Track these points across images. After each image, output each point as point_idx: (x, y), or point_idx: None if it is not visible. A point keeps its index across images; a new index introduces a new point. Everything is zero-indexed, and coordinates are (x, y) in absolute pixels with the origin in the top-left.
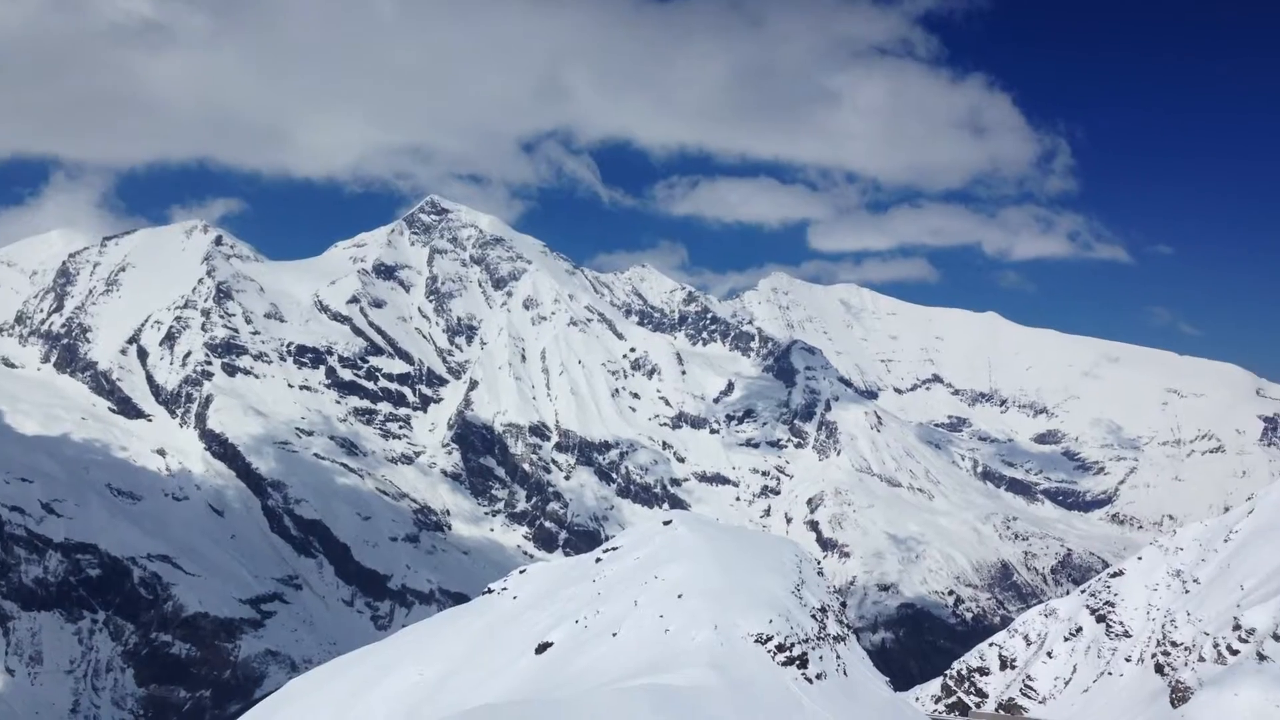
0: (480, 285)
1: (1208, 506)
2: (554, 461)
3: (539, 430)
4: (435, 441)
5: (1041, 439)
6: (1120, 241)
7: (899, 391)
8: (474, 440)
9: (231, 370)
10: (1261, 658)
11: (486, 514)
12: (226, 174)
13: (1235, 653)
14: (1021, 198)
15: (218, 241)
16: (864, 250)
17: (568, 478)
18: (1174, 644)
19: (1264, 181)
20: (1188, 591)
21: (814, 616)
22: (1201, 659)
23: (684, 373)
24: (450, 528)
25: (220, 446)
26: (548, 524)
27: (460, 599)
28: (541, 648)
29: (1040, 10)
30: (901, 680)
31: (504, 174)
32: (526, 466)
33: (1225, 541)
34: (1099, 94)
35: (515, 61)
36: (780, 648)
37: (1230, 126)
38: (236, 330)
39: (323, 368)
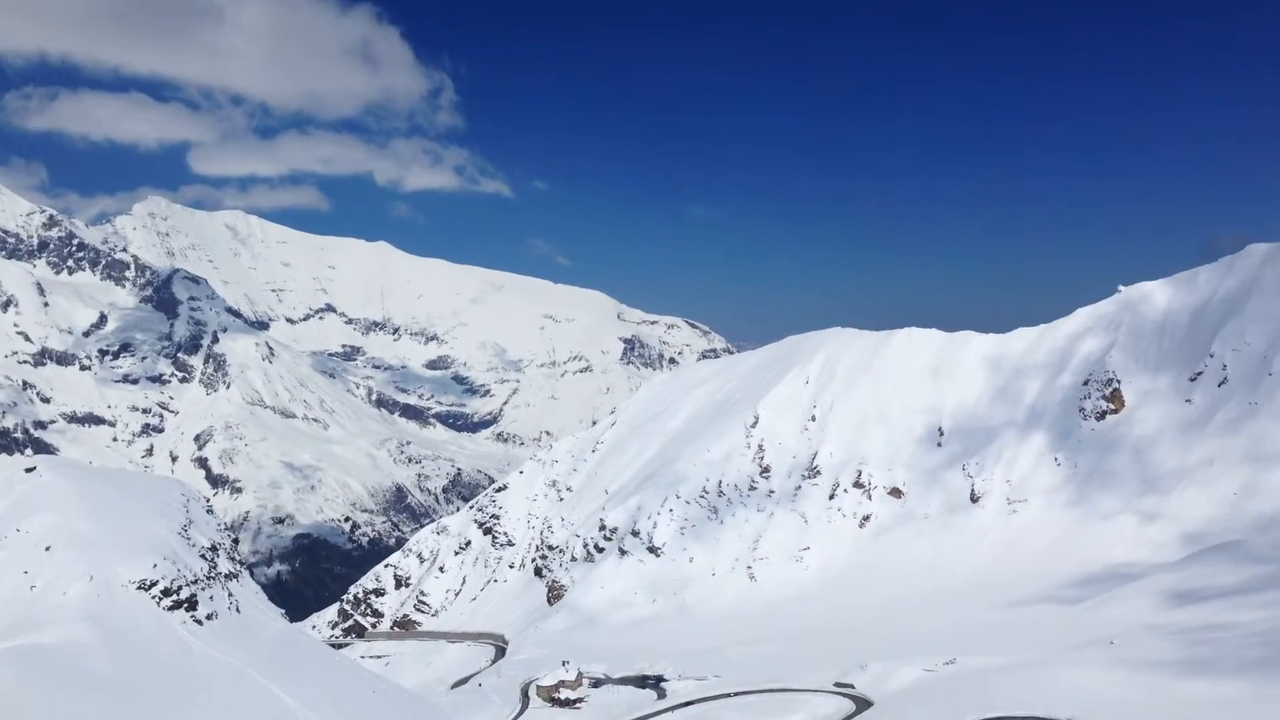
0: None
1: (579, 421)
2: None
3: None
4: None
5: (433, 365)
6: (502, 176)
7: (291, 321)
8: None
9: None
10: (622, 552)
11: None
12: None
13: (601, 550)
14: (411, 131)
15: None
16: (251, 176)
17: None
18: (551, 547)
19: (620, 124)
20: (562, 499)
21: (203, 556)
22: (574, 559)
23: (46, 304)
24: None
25: None
26: None
27: None
28: None
29: None
30: (299, 610)
31: None
32: None
33: (593, 452)
34: (481, 36)
35: None
36: (166, 592)
37: (595, 77)
38: None
39: None
